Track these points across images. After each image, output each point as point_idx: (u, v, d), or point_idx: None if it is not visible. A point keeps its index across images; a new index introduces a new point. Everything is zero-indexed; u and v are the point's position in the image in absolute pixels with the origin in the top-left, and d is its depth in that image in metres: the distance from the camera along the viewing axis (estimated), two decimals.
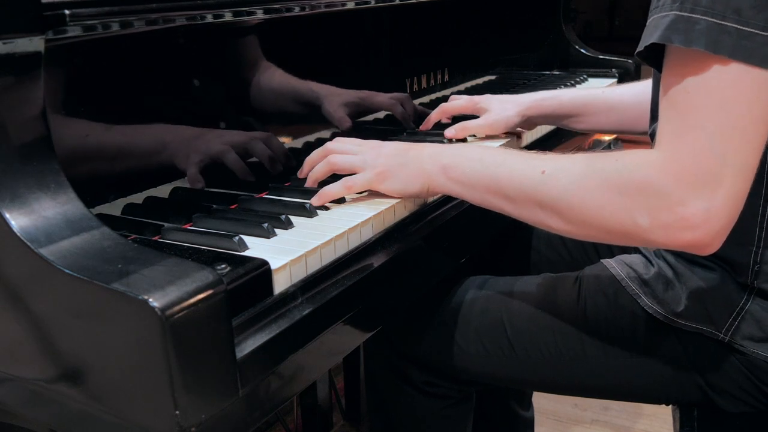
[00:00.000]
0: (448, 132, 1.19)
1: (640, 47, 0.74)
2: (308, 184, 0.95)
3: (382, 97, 1.22)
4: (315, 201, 0.88)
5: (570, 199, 0.77)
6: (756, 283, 0.87)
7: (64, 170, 0.67)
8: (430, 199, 0.97)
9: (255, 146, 0.98)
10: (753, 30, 0.67)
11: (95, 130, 0.80)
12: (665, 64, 0.72)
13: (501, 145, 1.17)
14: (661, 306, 0.92)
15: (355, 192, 0.91)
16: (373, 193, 0.93)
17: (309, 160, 0.96)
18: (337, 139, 0.97)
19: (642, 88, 1.21)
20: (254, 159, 0.98)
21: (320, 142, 1.09)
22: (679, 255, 0.93)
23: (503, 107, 1.22)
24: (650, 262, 0.96)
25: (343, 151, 0.94)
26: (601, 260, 1.02)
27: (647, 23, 0.73)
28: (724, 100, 0.68)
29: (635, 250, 1.02)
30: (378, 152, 0.92)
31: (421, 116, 1.29)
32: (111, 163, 0.82)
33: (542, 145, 1.33)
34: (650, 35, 0.71)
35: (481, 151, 0.90)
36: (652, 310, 0.92)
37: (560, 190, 0.78)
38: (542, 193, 0.80)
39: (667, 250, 0.94)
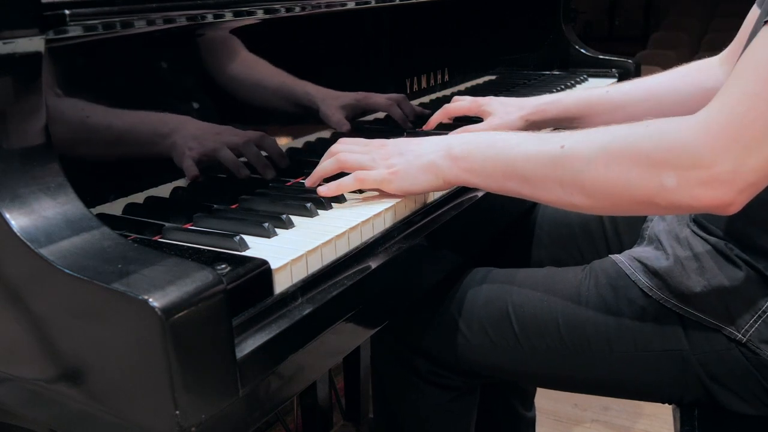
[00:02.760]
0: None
1: None
2: (314, 180, 0.94)
3: (379, 98, 1.22)
4: (325, 190, 0.88)
5: (593, 171, 0.77)
6: None
7: (65, 170, 0.67)
8: (430, 199, 0.97)
9: (248, 148, 0.97)
10: None
11: (95, 129, 0.80)
12: (764, 33, 0.72)
13: None
14: (677, 299, 0.91)
15: (366, 187, 0.91)
16: (374, 192, 0.94)
17: (321, 168, 0.94)
18: (342, 140, 0.97)
19: (648, 86, 1.21)
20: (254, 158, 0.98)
21: (320, 141, 1.10)
22: (709, 244, 0.92)
23: (507, 111, 1.22)
24: (665, 251, 0.95)
25: (351, 151, 0.93)
26: (610, 255, 1.01)
27: None
28: None
29: (647, 242, 1.02)
30: (386, 151, 0.92)
31: (420, 116, 1.29)
32: (111, 163, 0.82)
33: None
34: None
35: (491, 137, 0.89)
36: (670, 304, 0.92)
37: (582, 163, 0.78)
38: (562, 169, 0.79)
39: (694, 235, 0.94)
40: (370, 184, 0.90)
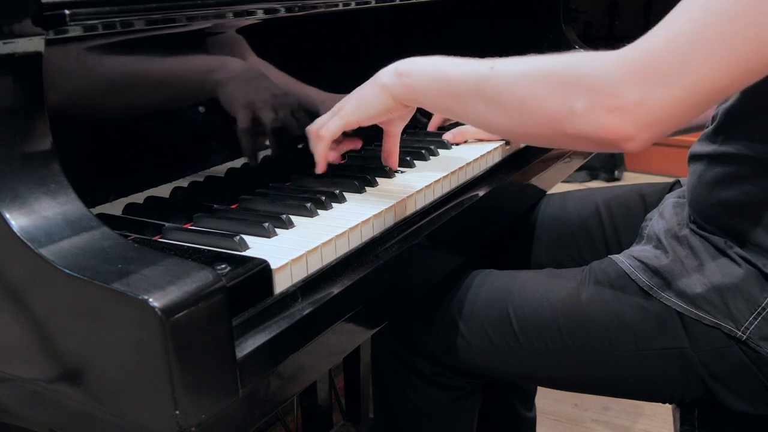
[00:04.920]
0: (446, 135, 1.19)
1: None
2: (320, 166, 0.99)
3: None
4: (318, 169, 0.96)
5: (514, 90, 0.80)
6: None
7: (65, 170, 0.66)
8: (430, 200, 0.97)
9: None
10: None
11: (96, 129, 0.80)
12: None
13: (500, 148, 1.16)
14: (677, 297, 0.92)
15: (333, 137, 0.95)
16: (374, 193, 0.94)
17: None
18: None
19: None
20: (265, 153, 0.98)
21: None
22: (709, 242, 0.92)
23: None
24: (665, 250, 0.95)
25: (318, 119, 0.98)
26: (609, 256, 1.02)
27: None
28: (733, 30, 0.69)
29: (646, 241, 1.02)
30: (344, 100, 0.96)
31: (415, 116, 1.28)
32: (112, 163, 0.82)
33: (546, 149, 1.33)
34: None
35: (436, 59, 0.91)
36: (671, 302, 0.92)
37: (505, 81, 0.81)
38: (487, 86, 0.82)
39: (693, 234, 0.94)
40: (333, 131, 0.95)
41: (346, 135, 1.01)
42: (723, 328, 0.90)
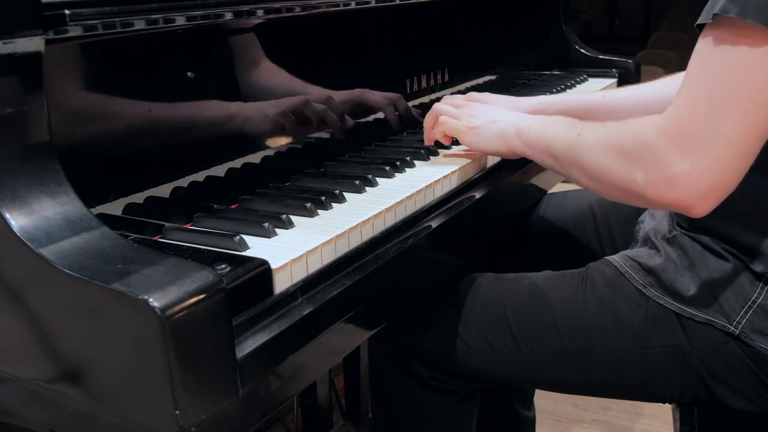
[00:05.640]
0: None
1: (700, 21, 0.77)
2: (428, 137, 1.12)
3: (375, 96, 1.21)
4: (426, 142, 1.13)
5: (592, 158, 0.87)
6: None
7: (65, 170, 0.66)
8: (430, 200, 0.97)
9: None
10: None
11: (96, 129, 0.80)
12: (699, 37, 0.76)
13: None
14: (670, 296, 0.93)
15: (444, 130, 1.08)
16: (374, 193, 0.94)
17: (425, 123, 1.13)
18: (445, 97, 1.16)
19: (643, 93, 1.21)
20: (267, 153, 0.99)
21: (319, 141, 1.10)
22: (696, 241, 0.93)
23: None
24: (657, 250, 0.96)
25: (447, 103, 1.11)
26: (605, 257, 1.02)
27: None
28: (736, 73, 0.72)
29: (641, 244, 1.02)
30: (473, 109, 1.08)
31: (415, 117, 1.29)
32: (112, 163, 0.82)
33: None
34: (712, 7, 0.74)
35: (546, 119, 1.02)
36: (663, 301, 0.93)
37: (586, 150, 0.88)
38: (574, 153, 0.90)
39: (683, 235, 0.95)
40: (449, 130, 1.08)
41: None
42: (716, 324, 0.90)
